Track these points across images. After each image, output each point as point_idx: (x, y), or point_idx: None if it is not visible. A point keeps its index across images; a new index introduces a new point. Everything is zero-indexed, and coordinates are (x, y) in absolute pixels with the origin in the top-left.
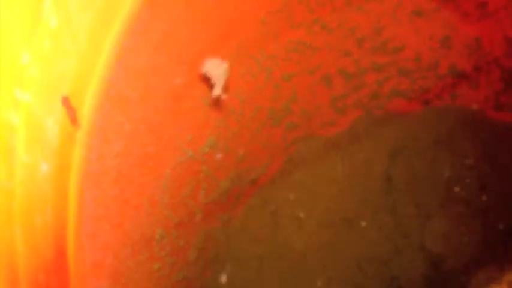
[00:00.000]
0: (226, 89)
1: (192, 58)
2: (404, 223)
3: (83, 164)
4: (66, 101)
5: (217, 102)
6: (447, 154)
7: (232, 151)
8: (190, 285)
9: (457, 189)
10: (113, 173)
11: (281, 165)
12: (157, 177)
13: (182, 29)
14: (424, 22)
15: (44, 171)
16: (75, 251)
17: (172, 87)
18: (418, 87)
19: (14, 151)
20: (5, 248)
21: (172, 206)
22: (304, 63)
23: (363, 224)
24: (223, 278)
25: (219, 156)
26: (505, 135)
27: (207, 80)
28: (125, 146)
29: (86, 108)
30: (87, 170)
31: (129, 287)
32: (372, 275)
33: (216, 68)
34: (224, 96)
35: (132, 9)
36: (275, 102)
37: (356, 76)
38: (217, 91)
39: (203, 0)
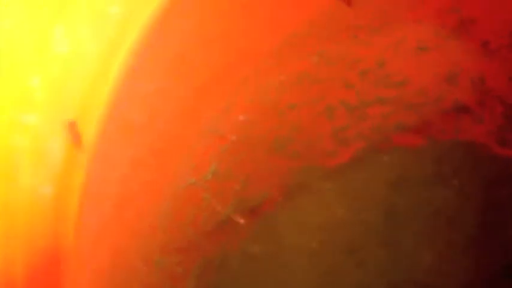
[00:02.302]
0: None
1: (201, 83)
2: (401, 256)
3: (85, 187)
4: (72, 125)
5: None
6: (449, 188)
7: (235, 179)
8: None
9: (457, 224)
10: (115, 198)
11: (282, 195)
12: (159, 202)
13: (192, 54)
14: (428, 58)
15: (46, 194)
16: (73, 274)
17: (178, 112)
18: (422, 121)
19: (18, 173)
20: (4, 271)
21: (172, 232)
22: (308, 94)
23: (362, 255)
24: None
25: (221, 183)
26: (507, 171)
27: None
28: (128, 171)
29: (91, 133)
30: (89, 193)
31: None
32: None
33: None
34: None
35: (142, 32)
36: (279, 131)
37: (359, 109)
38: None
39: (217, 26)
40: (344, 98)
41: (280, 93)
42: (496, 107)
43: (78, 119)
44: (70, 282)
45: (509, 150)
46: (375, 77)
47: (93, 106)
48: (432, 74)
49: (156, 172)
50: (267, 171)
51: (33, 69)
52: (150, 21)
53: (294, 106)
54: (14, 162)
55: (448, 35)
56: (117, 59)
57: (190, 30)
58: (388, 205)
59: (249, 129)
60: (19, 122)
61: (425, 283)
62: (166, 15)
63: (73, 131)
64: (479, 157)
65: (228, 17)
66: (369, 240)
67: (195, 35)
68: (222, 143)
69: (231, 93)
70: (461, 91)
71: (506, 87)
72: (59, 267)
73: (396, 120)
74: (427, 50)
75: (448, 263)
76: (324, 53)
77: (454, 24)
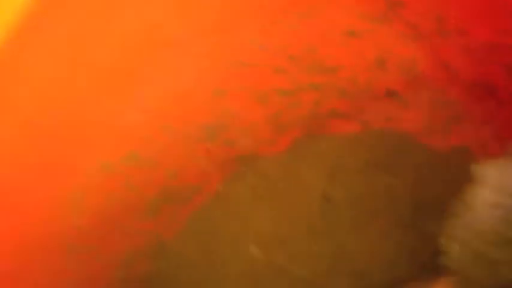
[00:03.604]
0: None
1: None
2: (339, 242)
3: None
4: None
5: None
6: (383, 176)
7: (161, 166)
8: None
9: (390, 209)
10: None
11: (218, 184)
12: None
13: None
14: (358, 43)
15: None
16: None
17: (92, 97)
18: (355, 108)
19: None
20: None
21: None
22: (237, 80)
23: (299, 244)
24: None
25: (144, 171)
26: (434, 159)
27: None
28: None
29: None
30: None
31: None
32: None
33: None
34: None
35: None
36: (208, 118)
37: (292, 94)
38: None
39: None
40: (276, 84)
41: (206, 79)
42: (424, 94)
43: None
44: None
45: (438, 140)
46: (306, 62)
47: None
48: (362, 59)
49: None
50: (199, 160)
51: None
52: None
53: (223, 92)
54: None
55: (377, 20)
56: None
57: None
58: (323, 194)
59: (172, 115)
60: None
61: (359, 271)
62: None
63: None
64: (409, 145)
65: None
66: (307, 228)
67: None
68: (143, 128)
69: (154, 78)
70: (392, 77)
71: (434, 72)
72: None
73: (330, 107)
74: (357, 35)
75: (381, 251)
76: (254, 40)
77: (382, 8)
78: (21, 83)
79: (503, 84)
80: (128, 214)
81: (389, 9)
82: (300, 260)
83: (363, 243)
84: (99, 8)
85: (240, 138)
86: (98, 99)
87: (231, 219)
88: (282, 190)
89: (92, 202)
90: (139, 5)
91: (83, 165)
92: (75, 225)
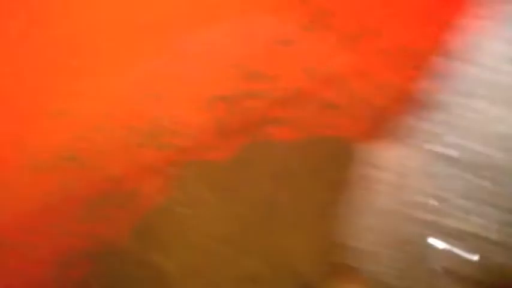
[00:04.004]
0: None
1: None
2: (283, 245)
3: None
4: None
5: None
6: (322, 179)
7: (101, 169)
8: None
9: (328, 213)
10: None
11: (161, 188)
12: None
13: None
14: (292, 51)
15: None
16: None
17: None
18: (295, 116)
19: None
20: None
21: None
22: (178, 85)
23: (245, 241)
24: None
25: (83, 172)
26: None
27: None
28: None
29: None
30: None
31: None
32: None
33: None
34: None
35: None
36: (150, 122)
37: (236, 102)
38: None
39: None
40: (217, 90)
41: (144, 81)
42: (355, 100)
43: None
44: None
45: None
46: (244, 70)
47: None
48: (297, 67)
49: None
50: (140, 163)
51: None
52: None
53: (164, 97)
54: None
55: (308, 28)
56: None
57: None
58: (268, 198)
59: (113, 119)
60: None
61: (297, 267)
62: None
63: None
64: (346, 150)
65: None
66: (248, 229)
67: None
68: (82, 131)
69: (94, 79)
70: (325, 84)
71: (359, 79)
72: None
73: (273, 114)
74: (290, 44)
75: (321, 250)
76: (194, 47)
77: (312, 17)
78: None
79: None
80: (66, 214)
81: (319, 18)
82: (245, 256)
83: (304, 241)
84: None
85: (184, 143)
86: (37, 97)
87: (176, 222)
88: (228, 194)
89: (27, 200)
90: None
91: (16, 163)
92: (9, 220)
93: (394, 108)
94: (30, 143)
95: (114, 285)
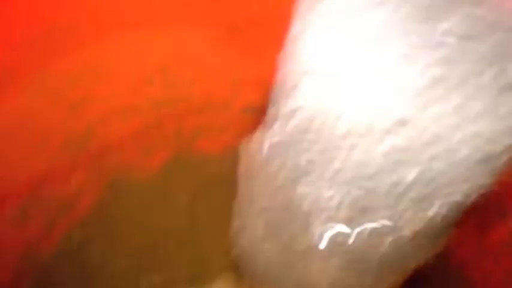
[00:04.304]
0: None
1: None
2: (205, 251)
3: None
4: None
5: None
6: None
7: (25, 178)
8: None
9: None
10: None
11: (93, 206)
12: None
13: None
14: (209, 62)
15: None
16: None
17: None
18: (217, 127)
19: None
20: None
21: None
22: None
23: (166, 251)
24: None
25: (5, 181)
26: None
27: None
28: None
29: None
30: None
31: None
32: None
33: None
34: None
35: None
36: (71, 133)
37: (151, 111)
38: None
39: None
40: (135, 101)
41: (57, 89)
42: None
43: None
44: None
45: None
46: (163, 81)
47: None
48: (216, 78)
49: None
50: (68, 175)
51: None
52: None
53: (80, 104)
54: None
55: (223, 41)
56: None
57: None
58: (189, 208)
59: (34, 130)
60: None
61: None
62: None
63: None
64: None
65: None
66: (169, 239)
67: None
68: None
69: (12, 90)
70: (246, 95)
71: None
72: None
73: (193, 125)
74: (207, 55)
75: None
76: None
77: (224, 30)
78: None
79: None
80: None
81: (231, 32)
82: (165, 264)
83: (218, 248)
84: None
85: (108, 156)
86: None
87: (104, 232)
88: (152, 206)
89: None
90: None
91: None
92: None
93: None
94: None
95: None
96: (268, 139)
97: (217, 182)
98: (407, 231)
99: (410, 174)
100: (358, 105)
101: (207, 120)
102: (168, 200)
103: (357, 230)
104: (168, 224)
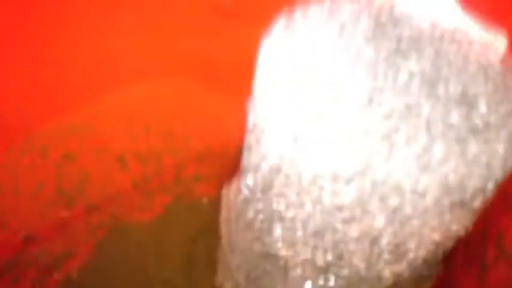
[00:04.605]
0: None
1: None
2: None
3: None
4: None
5: None
6: None
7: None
8: None
9: None
10: None
11: (89, 252)
12: None
13: None
14: (190, 108)
15: None
16: None
17: None
18: (211, 172)
19: None
20: None
21: None
22: (89, 143)
23: None
24: None
25: None
26: None
27: None
28: None
29: None
30: None
31: None
32: None
33: None
34: None
35: None
36: (61, 183)
37: (151, 159)
38: None
39: None
40: (135, 148)
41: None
42: None
43: None
44: None
45: None
46: (157, 129)
47: None
48: (211, 126)
49: None
50: (63, 226)
51: None
52: None
53: (73, 156)
54: None
55: (207, 88)
56: None
57: None
58: (187, 254)
59: (25, 181)
60: None
61: None
62: None
63: None
64: None
65: None
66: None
67: None
68: None
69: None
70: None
71: None
72: None
73: (191, 171)
74: (198, 103)
75: None
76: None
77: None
78: None
79: None
80: None
81: (221, 80)
82: None
83: None
84: None
85: (106, 205)
86: None
87: (101, 282)
88: (150, 253)
89: None
90: None
91: None
92: None
93: None
94: None
95: None
96: (243, 185)
97: (214, 227)
98: (387, 273)
99: (379, 221)
100: (323, 151)
101: (206, 168)
102: (165, 246)
103: (334, 278)
104: (164, 271)
